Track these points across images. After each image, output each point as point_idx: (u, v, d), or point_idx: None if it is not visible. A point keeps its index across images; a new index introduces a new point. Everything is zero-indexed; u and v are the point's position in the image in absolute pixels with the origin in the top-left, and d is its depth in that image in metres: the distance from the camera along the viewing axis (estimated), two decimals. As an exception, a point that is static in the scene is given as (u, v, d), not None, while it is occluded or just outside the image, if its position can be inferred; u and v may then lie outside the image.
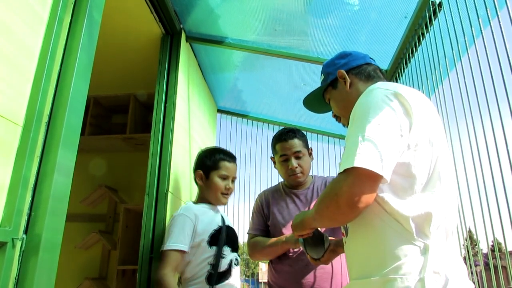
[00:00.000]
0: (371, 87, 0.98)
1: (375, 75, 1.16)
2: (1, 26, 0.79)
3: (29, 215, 0.83)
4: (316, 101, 1.33)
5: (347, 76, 1.15)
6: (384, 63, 2.44)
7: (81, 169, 2.22)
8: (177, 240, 1.54)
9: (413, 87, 2.19)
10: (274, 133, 1.94)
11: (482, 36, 1.45)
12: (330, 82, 1.20)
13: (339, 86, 1.17)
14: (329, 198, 0.89)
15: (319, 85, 1.28)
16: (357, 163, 0.81)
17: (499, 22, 1.32)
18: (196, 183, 1.81)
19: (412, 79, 2.19)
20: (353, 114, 0.95)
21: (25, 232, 0.82)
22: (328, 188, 0.91)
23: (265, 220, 1.84)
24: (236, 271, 1.65)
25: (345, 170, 0.84)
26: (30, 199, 0.83)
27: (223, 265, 1.60)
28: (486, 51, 1.38)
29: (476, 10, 1.48)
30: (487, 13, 1.42)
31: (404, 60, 2.26)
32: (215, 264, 1.57)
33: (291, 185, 1.86)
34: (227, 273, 1.61)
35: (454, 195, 0.96)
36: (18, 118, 0.82)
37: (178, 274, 1.63)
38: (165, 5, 1.97)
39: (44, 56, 0.90)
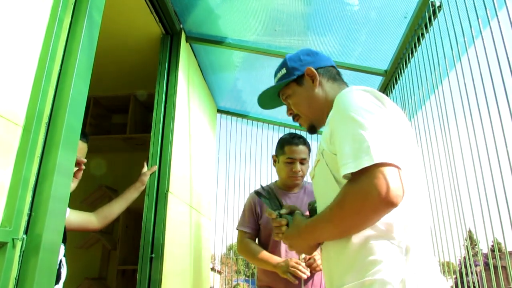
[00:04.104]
0: (349, 89, 0.95)
1: (339, 78, 1.16)
2: (1, 27, 0.79)
3: (30, 216, 0.83)
4: (268, 95, 1.25)
5: (316, 74, 1.12)
6: (384, 63, 2.44)
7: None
8: None
9: (413, 87, 2.19)
10: (274, 135, 2.00)
11: (482, 36, 1.45)
12: (296, 78, 1.15)
13: (306, 83, 1.13)
14: (360, 200, 0.79)
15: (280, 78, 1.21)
16: (376, 159, 0.77)
17: (499, 22, 1.32)
18: None
19: (412, 79, 2.19)
20: (339, 113, 0.91)
21: (26, 232, 0.82)
22: (350, 193, 0.81)
23: (256, 220, 1.91)
24: (64, 274, 1.27)
25: (365, 169, 0.78)
26: (30, 199, 0.84)
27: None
28: (485, 51, 1.38)
29: (476, 10, 1.48)
30: (487, 14, 1.42)
31: (404, 60, 2.26)
32: None
33: (286, 186, 1.94)
34: (58, 275, 1.21)
35: (427, 196, 0.96)
36: (18, 119, 0.82)
37: None
38: (165, 5, 1.97)
39: (44, 56, 0.90)
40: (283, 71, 1.19)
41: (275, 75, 1.23)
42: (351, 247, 0.86)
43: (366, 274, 0.81)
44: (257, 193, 1.21)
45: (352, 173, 0.80)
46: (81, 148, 1.43)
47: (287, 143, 1.88)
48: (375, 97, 0.90)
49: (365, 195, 0.78)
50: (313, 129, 1.17)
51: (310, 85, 1.12)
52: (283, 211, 1.10)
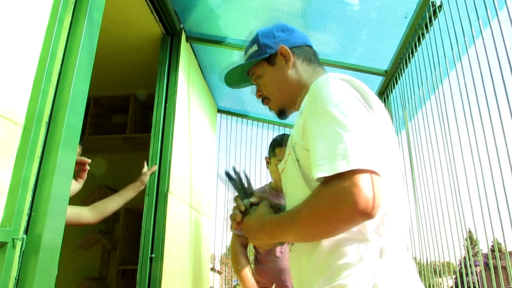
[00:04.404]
0: (326, 77, 0.85)
1: (315, 60, 1.05)
2: (2, 27, 0.79)
3: (30, 216, 0.83)
4: (236, 73, 1.12)
5: (291, 54, 1.01)
6: (384, 63, 2.44)
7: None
8: None
9: (413, 87, 2.19)
10: (274, 135, 2.00)
11: (482, 36, 1.45)
12: (268, 56, 1.03)
13: (278, 63, 1.02)
14: (333, 210, 0.71)
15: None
16: (355, 165, 0.69)
17: (499, 22, 1.32)
18: None
19: (412, 79, 2.19)
20: (314, 105, 0.81)
21: (26, 232, 0.82)
22: (322, 200, 0.72)
23: None
24: None
25: (341, 174, 0.70)
26: (30, 199, 0.83)
27: None
28: (486, 51, 1.38)
29: (476, 10, 1.48)
30: (487, 14, 1.42)
31: (404, 60, 2.26)
32: None
33: (279, 188, 1.95)
34: None
35: (405, 195, 0.89)
36: (18, 118, 0.82)
37: None
38: (165, 5, 1.97)
39: (44, 56, 0.90)
40: (254, 47, 1.06)
41: (246, 51, 1.10)
42: (321, 249, 0.79)
43: (337, 278, 0.75)
44: (226, 173, 1.05)
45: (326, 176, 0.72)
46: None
47: (278, 145, 1.87)
48: (354, 89, 0.81)
49: (339, 205, 0.69)
50: (283, 114, 1.08)
51: (283, 65, 1.01)
52: (253, 199, 0.98)
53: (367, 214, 0.68)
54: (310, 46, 1.06)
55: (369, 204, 0.68)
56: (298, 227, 0.79)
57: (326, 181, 0.72)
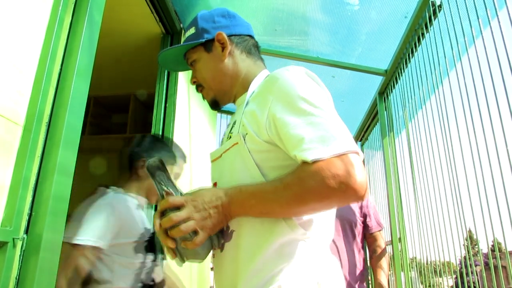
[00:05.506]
0: (291, 68, 0.85)
1: (255, 53, 1.03)
2: (2, 26, 0.79)
3: (30, 215, 0.83)
4: (172, 56, 1.07)
5: (228, 43, 0.97)
6: (384, 62, 2.44)
7: (81, 169, 2.22)
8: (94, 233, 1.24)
9: (413, 86, 2.19)
10: None
11: (482, 36, 1.45)
12: (204, 42, 0.98)
13: (214, 51, 0.98)
14: (331, 186, 0.69)
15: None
16: (346, 147, 0.71)
17: (499, 22, 1.32)
18: (132, 170, 1.58)
19: (412, 79, 2.19)
20: (284, 95, 0.79)
21: (26, 232, 0.82)
22: (319, 176, 0.69)
23: None
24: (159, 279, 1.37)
25: (339, 155, 0.70)
26: (30, 199, 0.84)
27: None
28: (485, 51, 1.38)
29: (476, 10, 1.48)
30: (487, 14, 1.42)
31: (404, 60, 2.26)
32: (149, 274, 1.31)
33: None
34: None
35: None
36: (18, 118, 0.82)
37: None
38: (165, 5, 1.97)
39: (44, 56, 0.90)
40: (192, 30, 1.01)
41: (184, 32, 1.06)
42: (267, 248, 0.75)
43: (281, 279, 0.73)
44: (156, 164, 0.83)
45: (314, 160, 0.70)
46: (182, 167, 1.48)
47: None
48: (313, 79, 0.84)
49: (337, 184, 0.68)
50: (215, 105, 1.02)
51: (219, 53, 0.97)
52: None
53: (360, 196, 0.70)
54: (251, 37, 1.03)
55: (364, 186, 0.70)
56: (286, 200, 0.73)
57: (318, 162, 0.70)
